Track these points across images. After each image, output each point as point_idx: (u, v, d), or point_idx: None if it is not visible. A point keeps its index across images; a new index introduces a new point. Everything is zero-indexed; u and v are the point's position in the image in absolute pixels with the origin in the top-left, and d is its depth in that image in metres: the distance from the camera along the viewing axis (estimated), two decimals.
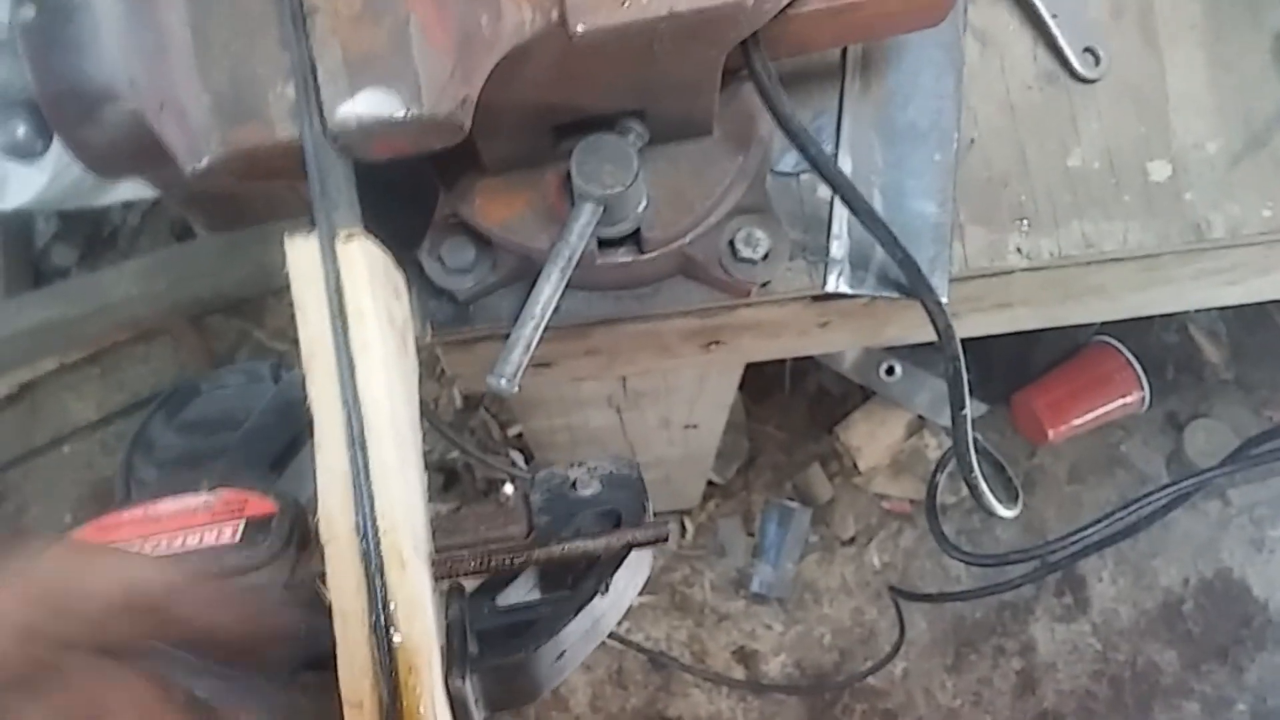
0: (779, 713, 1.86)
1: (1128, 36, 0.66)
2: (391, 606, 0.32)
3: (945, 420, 1.94)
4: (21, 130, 0.44)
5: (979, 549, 1.93)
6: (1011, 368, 1.96)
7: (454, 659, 0.33)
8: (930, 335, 0.73)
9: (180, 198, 0.52)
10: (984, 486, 0.70)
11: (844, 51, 0.66)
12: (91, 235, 1.87)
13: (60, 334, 1.72)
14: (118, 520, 0.43)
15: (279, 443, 0.50)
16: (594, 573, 0.40)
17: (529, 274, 0.62)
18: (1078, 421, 1.90)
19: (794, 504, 1.94)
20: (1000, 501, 0.73)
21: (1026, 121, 0.65)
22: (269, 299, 1.86)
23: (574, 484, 0.44)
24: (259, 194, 0.54)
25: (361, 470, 0.33)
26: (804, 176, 0.65)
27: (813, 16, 0.52)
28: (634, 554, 0.42)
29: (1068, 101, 0.65)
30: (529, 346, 0.53)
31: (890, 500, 1.98)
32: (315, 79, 0.37)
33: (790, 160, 0.65)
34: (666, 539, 0.43)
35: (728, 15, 0.44)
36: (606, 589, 0.39)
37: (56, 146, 1.32)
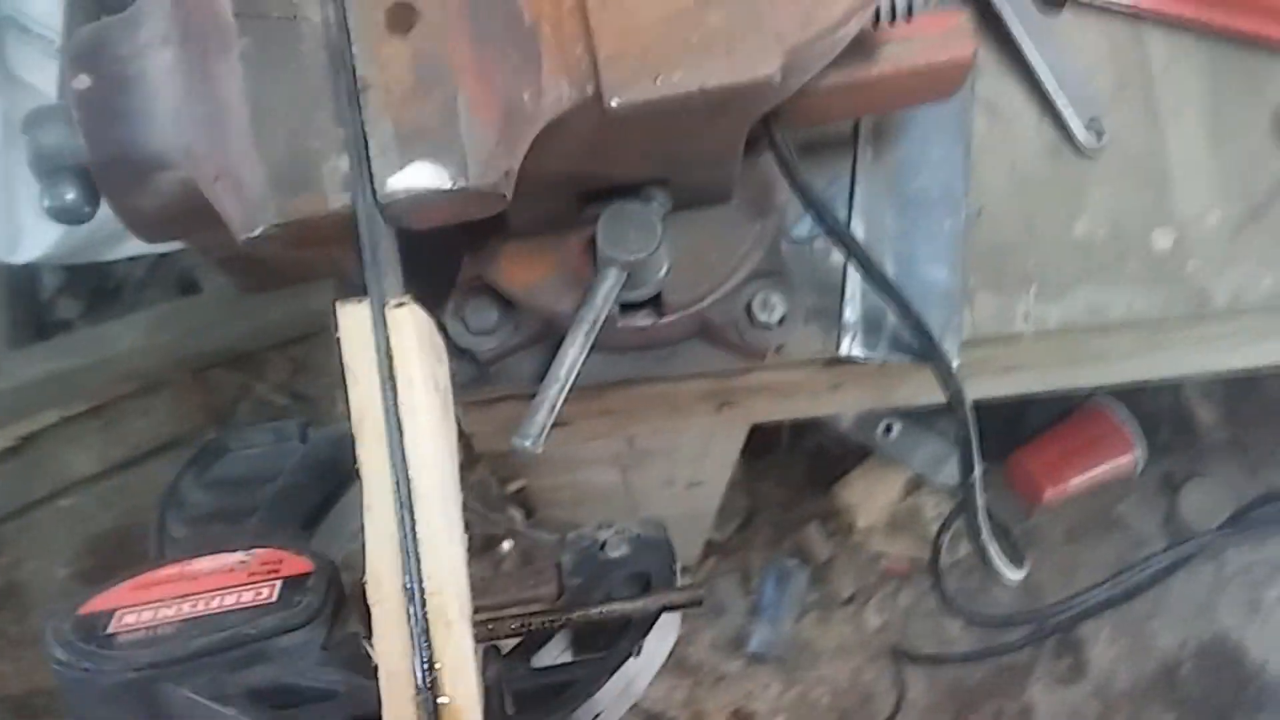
0: None
1: (1131, 110, 0.69)
2: (438, 667, 0.33)
3: (943, 478, 1.95)
4: (70, 195, 0.45)
5: (977, 609, 1.93)
6: (1006, 428, 1.97)
7: (493, 719, 0.33)
8: (937, 397, 0.74)
9: (217, 260, 0.53)
10: (992, 550, 0.71)
11: (856, 122, 0.68)
12: (97, 288, 1.88)
13: (64, 386, 1.72)
14: (154, 579, 0.43)
15: (311, 501, 0.51)
16: (627, 635, 0.41)
17: (551, 336, 0.63)
18: (1073, 482, 1.91)
19: (792, 563, 1.94)
20: (1006, 565, 0.74)
21: (1033, 191, 0.67)
22: (270, 353, 1.86)
23: (603, 545, 0.45)
24: (292, 258, 0.55)
25: (409, 533, 0.34)
26: (818, 242, 0.67)
27: (831, 91, 0.54)
28: (665, 617, 0.42)
29: (1073, 172, 0.68)
30: (554, 408, 0.54)
31: (888, 559, 1.98)
32: (367, 152, 0.38)
33: (805, 226, 0.67)
34: (700, 603, 0.43)
35: (755, 91, 0.46)
36: (639, 651, 0.40)
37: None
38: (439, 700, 0.32)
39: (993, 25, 0.68)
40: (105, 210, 1.44)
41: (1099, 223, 0.67)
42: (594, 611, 0.41)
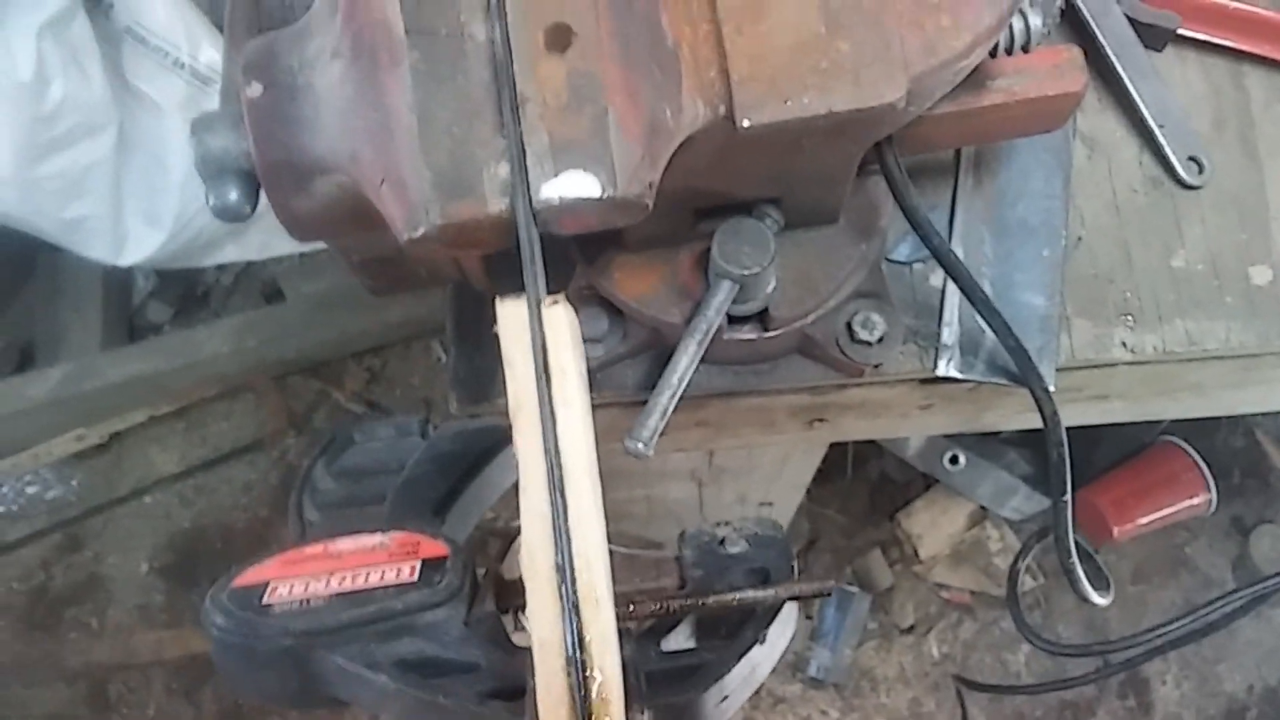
0: None
1: (1229, 148, 0.70)
2: (586, 640, 0.35)
3: (1007, 512, 1.94)
4: (234, 195, 0.48)
5: (1047, 637, 1.91)
6: (1075, 464, 1.95)
7: (630, 695, 0.35)
8: (1025, 423, 0.76)
9: (355, 262, 0.56)
10: (1079, 571, 0.72)
11: (958, 151, 0.70)
12: (186, 294, 1.95)
13: (151, 387, 1.79)
14: (301, 555, 0.46)
15: (437, 492, 0.54)
16: (751, 624, 0.43)
17: (655, 346, 0.66)
18: (1143, 520, 1.89)
19: (854, 589, 1.94)
20: (1092, 588, 0.74)
21: (1132, 223, 0.68)
22: (348, 362, 1.91)
23: (722, 541, 0.47)
24: (430, 263, 0.58)
25: (561, 514, 0.36)
26: (916, 266, 0.69)
27: (943, 119, 0.56)
28: (786, 608, 0.44)
29: (1171, 206, 0.69)
30: (665, 413, 0.56)
31: (950, 591, 1.97)
32: (525, 161, 0.41)
33: (905, 250, 0.68)
34: (829, 594, 0.45)
35: (877, 115, 0.48)
36: (763, 639, 0.42)
37: (176, 210, 1.39)
38: (590, 671, 0.34)
39: (1095, 61, 0.70)
40: (203, 219, 1.48)
41: (1197, 256, 0.68)
42: (728, 597, 0.43)
